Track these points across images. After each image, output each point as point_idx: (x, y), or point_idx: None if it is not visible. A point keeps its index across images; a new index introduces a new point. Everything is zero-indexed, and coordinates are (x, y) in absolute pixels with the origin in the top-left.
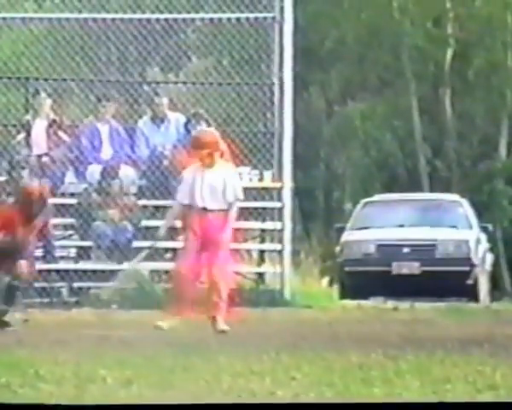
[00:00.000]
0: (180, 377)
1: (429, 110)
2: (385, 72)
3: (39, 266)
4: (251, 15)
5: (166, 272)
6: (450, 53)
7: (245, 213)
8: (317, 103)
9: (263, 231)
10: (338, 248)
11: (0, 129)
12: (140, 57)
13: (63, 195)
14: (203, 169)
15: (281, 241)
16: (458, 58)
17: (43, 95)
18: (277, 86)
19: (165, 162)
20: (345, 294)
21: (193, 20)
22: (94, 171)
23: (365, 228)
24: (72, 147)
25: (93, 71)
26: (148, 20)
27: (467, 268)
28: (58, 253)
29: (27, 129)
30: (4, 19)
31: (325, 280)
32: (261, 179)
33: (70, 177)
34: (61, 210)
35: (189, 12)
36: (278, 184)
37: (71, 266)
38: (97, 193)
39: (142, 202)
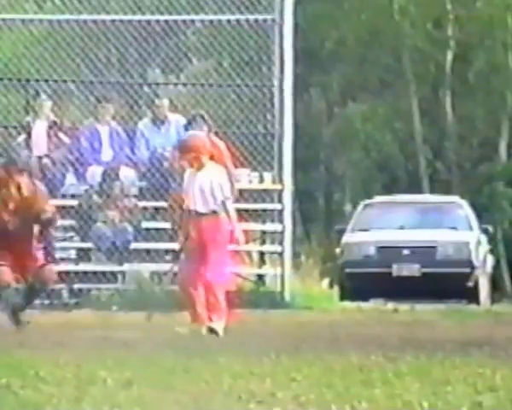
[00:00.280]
0: (180, 378)
1: (430, 112)
2: (385, 73)
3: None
4: (251, 17)
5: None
6: (450, 55)
7: (245, 215)
8: (318, 105)
9: (263, 232)
10: (338, 250)
11: (0, 130)
12: (140, 59)
13: (64, 196)
14: (195, 173)
15: (281, 243)
16: (459, 60)
17: (43, 96)
18: (277, 88)
19: (166, 164)
20: (345, 296)
21: (193, 21)
22: (94, 172)
23: (365, 230)
24: (72, 148)
25: (93, 72)
26: (148, 22)
27: (467, 270)
28: (58, 254)
29: (28, 130)
30: (4, 20)
31: (325, 282)
32: (261, 181)
33: (70, 178)
34: (61, 212)
35: (189, 13)
36: (278, 186)
37: (71, 267)
38: (98, 195)
39: (143, 203)
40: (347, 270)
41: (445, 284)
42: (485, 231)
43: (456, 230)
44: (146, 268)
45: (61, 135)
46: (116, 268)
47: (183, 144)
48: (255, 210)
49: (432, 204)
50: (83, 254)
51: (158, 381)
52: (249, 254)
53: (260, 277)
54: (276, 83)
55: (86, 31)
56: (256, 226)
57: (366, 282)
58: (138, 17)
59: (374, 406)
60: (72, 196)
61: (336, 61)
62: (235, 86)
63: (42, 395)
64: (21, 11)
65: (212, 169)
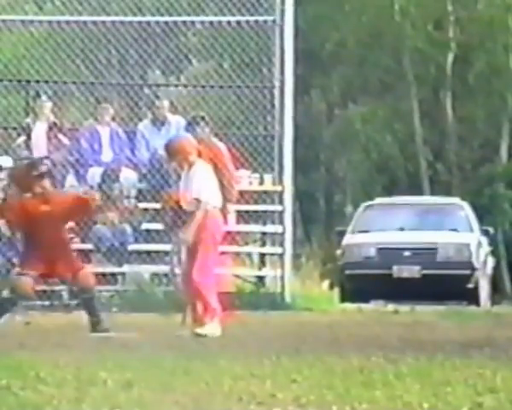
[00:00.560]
0: (181, 379)
1: (430, 113)
2: (386, 75)
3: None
4: (251, 18)
5: (166, 275)
6: (451, 56)
7: (246, 217)
8: (318, 106)
9: (264, 234)
10: (339, 252)
11: (0, 132)
12: (140, 60)
13: None
14: (186, 173)
15: (281, 244)
16: (459, 61)
17: (43, 98)
18: (278, 89)
19: (166, 165)
20: (345, 297)
21: (193, 23)
22: (94, 173)
23: (366, 231)
24: (72, 150)
25: (93, 74)
26: (149, 23)
27: (467, 272)
28: None
29: (28, 132)
30: (5, 21)
31: (326, 283)
32: (262, 183)
33: (71, 180)
34: None
35: (189, 15)
36: (279, 188)
37: None
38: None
39: (143, 204)
40: (348, 271)
41: (445, 285)
42: (485, 233)
43: (457, 231)
44: (146, 270)
45: (61, 136)
46: (116, 269)
47: (169, 147)
48: (256, 211)
49: (432, 206)
50: (83, 256)
51: (158, 382)
52: (249, 255)
53: (261, 278)
54: (276, 84)
55: (86, 32)
56: (256, 228)
57: (366, 283)
58: (139, 18)
59: (374, 407)
60: None
61: (337, 63)
62: (236, 88)
63: (42, 397)
64: (21, 12)
65: (198, 167)
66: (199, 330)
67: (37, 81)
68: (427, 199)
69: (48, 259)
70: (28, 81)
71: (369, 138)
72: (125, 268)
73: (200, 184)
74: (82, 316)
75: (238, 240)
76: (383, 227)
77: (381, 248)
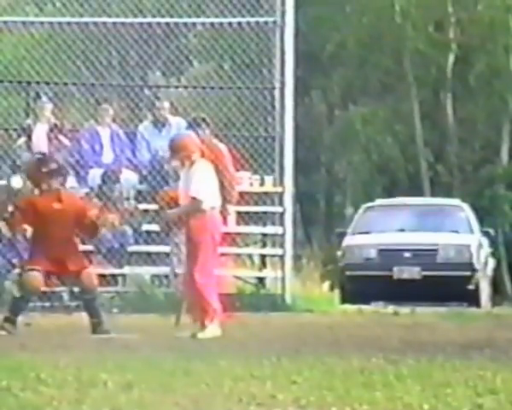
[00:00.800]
0: (181, 380)
1: (431, 115)
2: (386, 76)
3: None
4: (252, 20)
5: (167, 276)
6: (451, 57)
7: (246, 218)
8: (319, 108)
9: (264, 235)
10: (339, 253)
11: (1, 133)
12: (141, 61)
13: None
14: (187, 171)
15: (282, 245)
16: (460, 62)
17: (44, 99)
18: (279, 90)
19: (166, 167)
20: (346, 298)
21: (194, 24)
22: (95, 175)
23: (366, 233)
24: (73, 151)
25: (94, 75)
26: (150, 25)
27: (468, 273)
28: None
29: (28, 133)
30: (5, 23)
31: (326, 285)
32: (262, 184)
33: (71, 181)
34: None
35: (190, 16)
36: (279, 189)
37: None
38: (98, 197)
39: (143, 206)
40: (348, 273)
41: (445, 286)
42: (486, 234)
43: (458, 233)
44: (146, 271)
45: (61, 137)
46: (116, 271)
47: (173, 144)
48: (256, 213)
49: (433, 207)
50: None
51: (158, 383)
52: (250, 256)
53: (261, 279)
54: (277, 85)
55: (87, 33)
56: (257, 229)
57: (367, 285)
58: (139, 20)
59: (375, 408)
60: None
61: (337, 64)
62: (236, 89)
63: (42, 398)
64: (22, 14)
65: (198, 167)
66: (200, 335)
67: (38, 82)
68: (427, 200)
69: (56, 256)
70: (29, 82)
71: (369, 139)
72: (126, 270)
73: (199, 184)
74: (82, 317)
75: (239, 241)
76: (383, 228)
77: (381, 250)
